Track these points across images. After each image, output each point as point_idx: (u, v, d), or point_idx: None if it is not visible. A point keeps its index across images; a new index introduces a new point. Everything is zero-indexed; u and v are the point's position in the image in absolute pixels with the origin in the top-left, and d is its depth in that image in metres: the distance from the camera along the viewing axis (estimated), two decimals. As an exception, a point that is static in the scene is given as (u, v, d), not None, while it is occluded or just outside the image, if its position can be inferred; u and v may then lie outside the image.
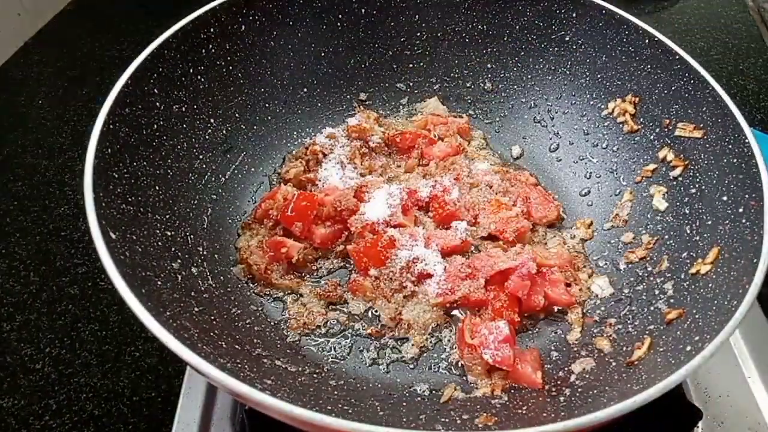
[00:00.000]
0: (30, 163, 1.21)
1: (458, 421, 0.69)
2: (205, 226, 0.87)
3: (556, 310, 0.86)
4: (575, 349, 0.80)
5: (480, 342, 0.77)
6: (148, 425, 0.85)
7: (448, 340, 0.83)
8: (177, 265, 0.75)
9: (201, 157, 0.90)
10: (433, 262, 0.85)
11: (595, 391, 0.69)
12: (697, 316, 0.68)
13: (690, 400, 0.82)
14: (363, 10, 1.03)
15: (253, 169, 0.99)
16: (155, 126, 0.81)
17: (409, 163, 1.01)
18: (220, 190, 0.92)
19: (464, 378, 0.79)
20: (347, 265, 0.90)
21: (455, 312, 0.85)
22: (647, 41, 0.88)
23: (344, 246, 0.88)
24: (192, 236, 0.82)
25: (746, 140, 0.74)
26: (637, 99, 0.92)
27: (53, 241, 1.08)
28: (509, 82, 1.07)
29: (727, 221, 0.73)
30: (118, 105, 0.74)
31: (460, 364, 0.80)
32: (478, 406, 0.72)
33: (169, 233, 0.78)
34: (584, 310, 0.85)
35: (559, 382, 0.75)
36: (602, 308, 0.84)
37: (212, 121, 0.92)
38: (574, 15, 0.96)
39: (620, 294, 0.84)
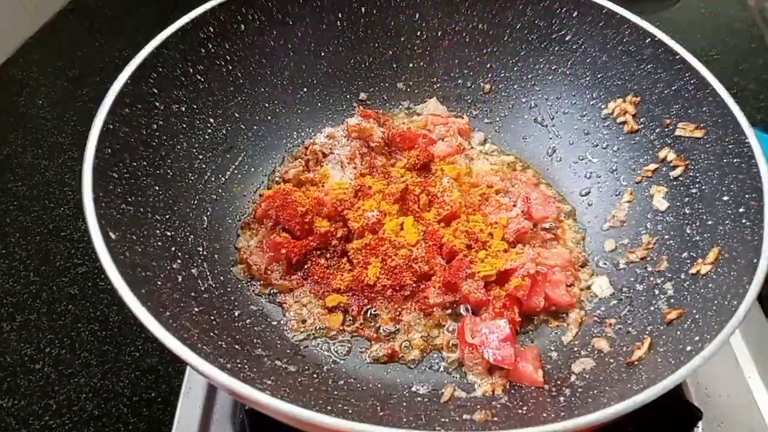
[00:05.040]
0: (30, 163, 1.21)
1: (458, 421, 0.69)
2: (205, 226, 0.87)
3: (556, 311, 0.86)
4: (575, 349, 0.80)
5: (481, 341, 0.77)
6: (148, 425, 0.85)
7: (449, 340, 0.83)
8: (177, 265, 0.75)
9: (201, 157, 0.90)
10: (433, 262, 0.85)
11: (595, 392, 0.69)
12: (697, 316, 0.68)
13: (690, 400, 0.82)
14: (363, 10, 1.02)
15: (253, 169, 0.99)
16: (155, 126, 0.81)
17: (409, 162, 1.00)
18: (220, 190, 0.92)
19: (464, 378, 0.79)
20: (347, 265, 0.90)
21: (455, 312, 0.85)
22: (648, 41, 0.88)
23: (344, 245, 0.88)
24: (192, 236, 0.82)
25: (747, 140, 0.74)
26: (638, 99, 0.92)
27: (53, 241, 1.08)
28: (509, 82, 1.07)
29: (728, 221, 0.73)
30: (118, 105, 0.74)
31: (460, 364, 0.80)
32: (479, 406, 0.72)
33: (169, 233, 0.78)
34: (584, 311, 0.85)
35: (559, 382, 0.75)
36: (602, 308, 0.84)
37: (212, 121, 0.92)
38: (574, 14, 0.96)
39: (620, 294, 0.84)
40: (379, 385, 0.77)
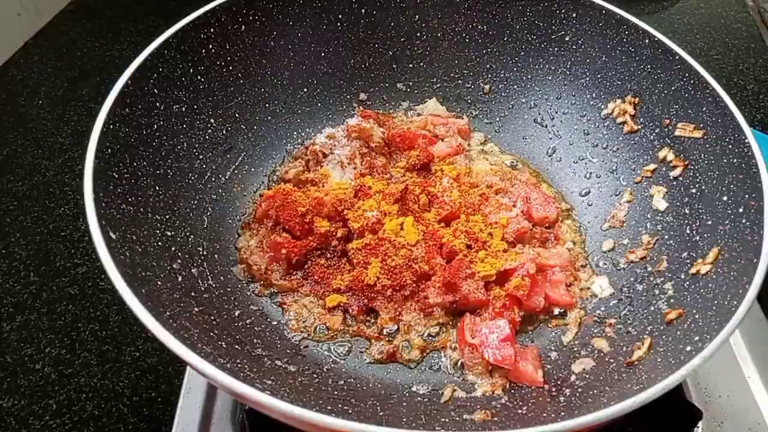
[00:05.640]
0: (30, 163, 1.21)
1: (458, 421, 0.69)
2: (205, 226, 0.87)
3: (556, 311, 0.86)
4: (575, 349, 0.80)
5: (481, 341, 0.77)
6: (148, 425, 0.85)
7: (449, 340, 0.83)
8: (177, 265, 0.75)
9: (201, 157, 0.90)
10: (433, 262, 0.85)
11: (595, 391, 0.69)
12: (697, 316, 0.68)
13: (690, 400, 0.82)
14: (363, 10, 1.03)
15: (253, 169, 0.99)
16: (155, 126, 0.81)
17: (409, 162, 1.01)
18: (220, 190, 0.92)
19: (464, 378, 0.79)
20: (347, 265, 0.90)
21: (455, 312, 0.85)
22: (647, 41, 0.88)
23: (344, 245, 0.88)
24: (192, 236, 0.82)
25: (746, 140, 0.74)
26: (637, 99, 0.92)
27: (53, 241, 1.08)
28: (509, 83, 1.07)
29: (727, 221, 0.73)
30: (118, 105, 0.74)
31: (460, 364, 0.80)
32: (478, 406, 0.72)
33: (169, 233, 0.78)
34: (584, 311, 0.85)
35: (559, 382, 0.75)
36: (602, 308, 0.84)
37: (212, 121, 0.92)
38: (574, 15, 0.96)
39: (620, 294, 0.84)
40: (379, 385, 0.77)
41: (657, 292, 0.78)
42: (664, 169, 0.88)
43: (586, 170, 0.99)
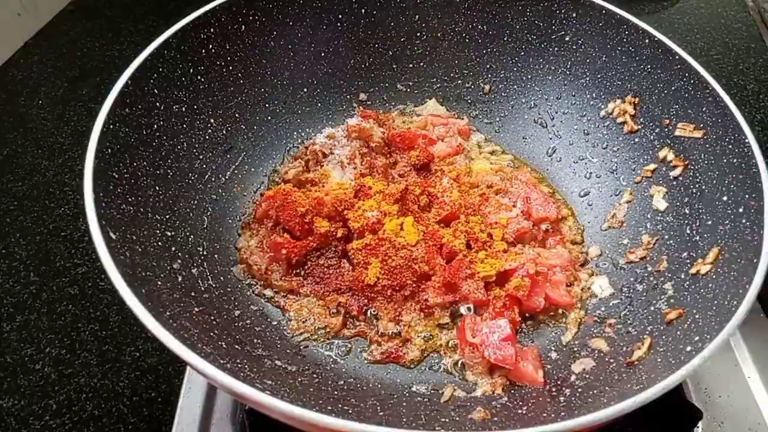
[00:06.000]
0: (30, 163, 1.21)
1: (458, 421, 0.69)
2: (205, 226, 0.87)
3: (558, 311, 0.86)
4: (575, 349, 0.80)
5: (481, 341, 0.77)
6: (148, 425, 0.85)
7: (449, 340, 0.83)
8: (177, 265, 0.75)
9: (201, 157, 0.90)
10: (433, 262, 0.85)
11: (595, 391, 0.69)
12: (697, 317, 0.68)
13: (690, 400, 0.82)
14: (363, 10, 1.03)
15: (253, 169, 0.99)
16: (155, 126, 0.81)
17: (409, 163, 1.00)
18: (220, 190, 0.92)
19: (464, 378, 0.79)
20: (347, 265, 0.90)
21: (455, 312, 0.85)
22: (647, 41, 0.88)
23: (344, 245, 0.88)
24: (192, 236, 0.82)
25: (746, 140, 0.74)
26: (637, 99, 0.92)
27: (53, 241, 1.08)
28: (509, 83, 1.07)
29: (727, 221, 0.73)
30: (118, 105, 0.74)
31: (460, 364, 0.80)
32: (478, 406, 0.72)
33: (169, 233, 0.78)
34: (584, 311, 0.85)
35: (559, 382, 0.75)
36: (602, 308, 0.84)
37: (212, 121, 0.92)
38: (574, 15, 0.96)
39: (620, 294, 0.84)
40: (379, 385, 0.77)
41: (657, 292, 0.78)
42: (664, 169, 0.88)
43: (586, 170, 0.99)
